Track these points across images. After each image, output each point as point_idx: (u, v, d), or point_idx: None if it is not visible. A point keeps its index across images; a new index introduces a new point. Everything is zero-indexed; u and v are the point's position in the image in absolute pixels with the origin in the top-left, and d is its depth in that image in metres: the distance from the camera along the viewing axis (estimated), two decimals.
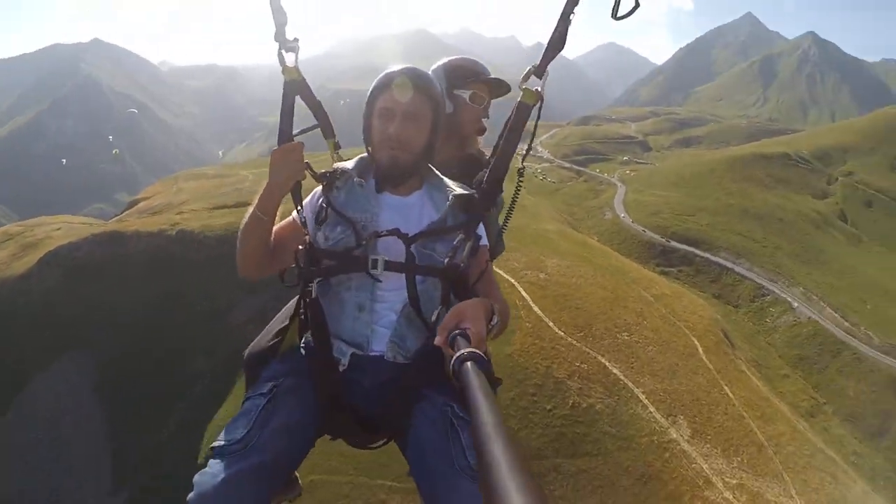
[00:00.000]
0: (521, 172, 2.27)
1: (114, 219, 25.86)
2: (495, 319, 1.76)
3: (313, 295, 1.98)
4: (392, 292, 1.99)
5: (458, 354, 1.20)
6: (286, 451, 1.79)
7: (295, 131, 2.19)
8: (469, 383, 1.04)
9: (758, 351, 32.32)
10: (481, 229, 2.19)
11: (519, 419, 6.38)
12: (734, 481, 7.33)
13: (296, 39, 2.08)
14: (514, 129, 2.17)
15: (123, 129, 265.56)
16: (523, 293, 10.51)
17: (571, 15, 2.03)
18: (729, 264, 39.49)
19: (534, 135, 2.20)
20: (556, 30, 2.06)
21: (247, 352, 2.22)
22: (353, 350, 1.95)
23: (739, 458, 7.75)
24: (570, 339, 8.86)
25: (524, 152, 2.29)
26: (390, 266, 1.96)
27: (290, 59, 2.08)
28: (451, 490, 1.62)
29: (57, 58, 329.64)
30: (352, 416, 1.96)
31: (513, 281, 11.64)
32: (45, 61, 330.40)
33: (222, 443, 1.72)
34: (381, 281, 1.97)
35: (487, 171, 2.20)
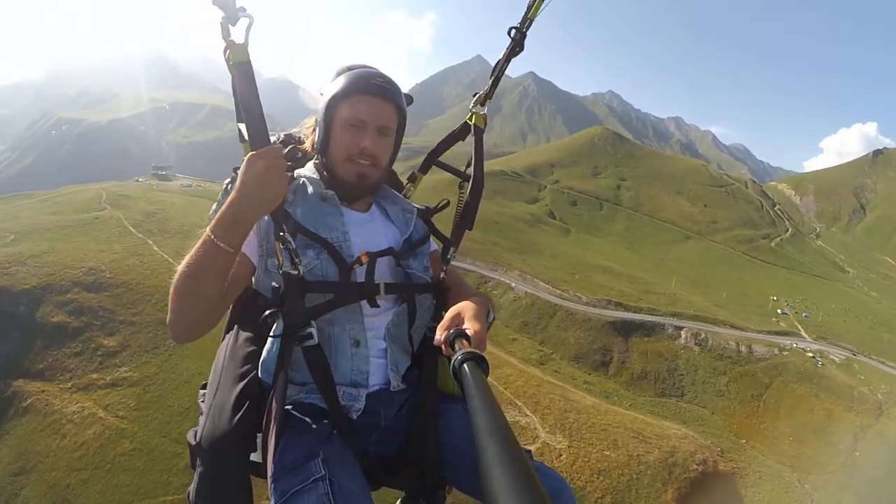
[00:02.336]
0: (461, 185, 2.15)
1: None
2: (491, 315, 1.73)
3: (315, 340, 1.65)
4: (377, 318, 1.81)
5: (458, 355, 1.18)
6: None
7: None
8: (470, 383, 1.03)
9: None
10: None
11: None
12: None
13: (242, 8, 1.55)
14: (479, 150, 2.09)
15: None
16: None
17: (518, 49, 2.01)
18: (454, 262, 43.90)
19: (475, 154, 2.11)
20: (500, 65, 2.05)
21: (206, 438, 1.63)
22: (363, 390, 1.75)
23: None
24: None
25: (465, 167, 2.18)
26: (391, 289, 1.81)
27: (238, 34, 1.59)
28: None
29: None
30: (383, 461, 1.81)
31: None
32: None
33: None
34: (378, 306, 1.79)
35: (469, 188, 2.05)
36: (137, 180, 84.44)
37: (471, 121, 2.10)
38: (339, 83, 1.86)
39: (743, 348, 54.13)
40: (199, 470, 1.66)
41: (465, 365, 1.13)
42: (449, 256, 2.01)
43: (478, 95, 2.11)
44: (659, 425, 31.71)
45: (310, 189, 1.86)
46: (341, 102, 1.84)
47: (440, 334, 1.48)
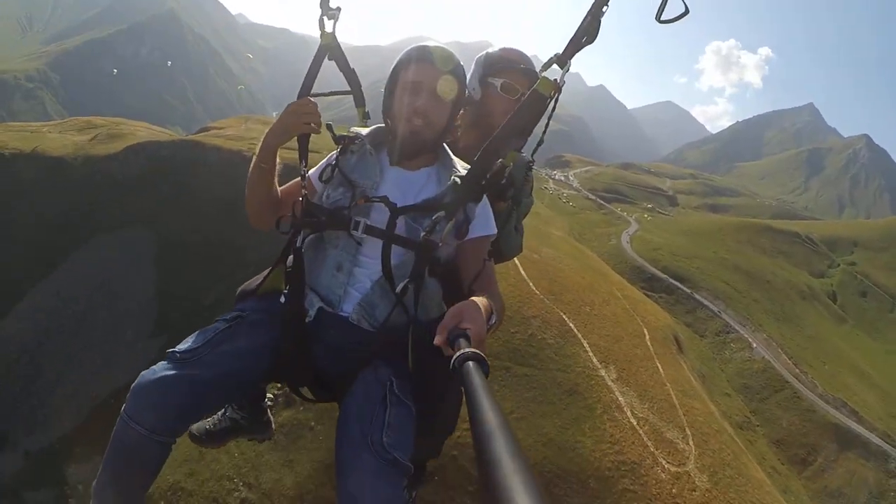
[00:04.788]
0: (529, 166, 2.22)
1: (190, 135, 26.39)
2: (494, 319, 1.73)
3: (298, 244, 1.98)
4: (374, 260, 1.94)
5: (458, 354, 1.14)
6: (230, 374, 1.78)
7: (327, 90, 2.17)
8: (470, 382, 1.00)
9: (708, 370, 33.35)
10: (482, 217, 2.06)
11: (490, 333, 7.76)
12: (641, 415, 8.57)
13: (338, 8, 2.06)
14: (520, 115, 1.95)
15: (192, 68, 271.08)
16: (515, 261, 11.68)
17: (605, 7, 1.79)
18: (706, 302, 41.09)
19: (546, 128, 2.03)
20: (584, 21, 1.83)
21: (240, 287, 2.20)
22: (322, 305, 1.93)
23: (651, 405, 8.96)
24: (542, 296, 10.17)
25: (535, 146, 2.16)
26: (370, 230, 1.93)
27: (329, 25, 2.08)
28: (353, 458, 1.60)
29: None
30: (306, 366, 1.96)
31: None
32: None
33: (174, 350, 1.76)
34: (360, 244, 1.95)
35: (481, 150, 1.97)
36: None
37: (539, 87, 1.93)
38: (403, 53, 2.08)
39: None
40: None
41: (465, 365, 1.09)
42: (460, 226, 1.98)
43: (552, 57, 1.93)
44: None
45: (367, 145, 2.11)
46: (402, 69, 2.07)
47: (440, 334, 1.47)
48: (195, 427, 2.29)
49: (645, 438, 9.23)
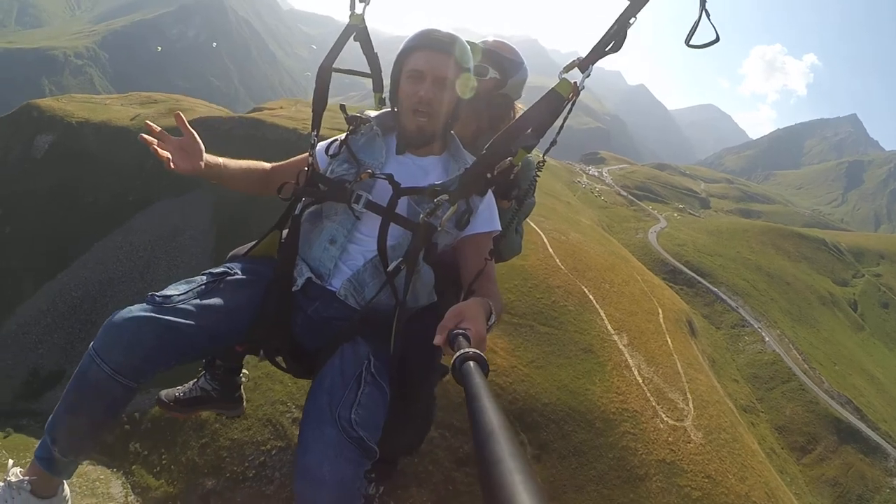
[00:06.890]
0: (539, 166, 1.99)
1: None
2: (493, 318, 1.61)
3: (296, 212, 1.95)
4: (370, 237, 1.86)
5: (459, 354, 1.08)
6: (205, 327, 1.70)
7: (344, 67, 2.09)
8: (471, 382, 0.94)
9: (719, 357, 33.41)
10: (486, 212, 1.99)
11: (517, 294, 8.40)
12: (646, 375, 9.24)
13: None
14: (534, 112, 1.78)
15: (236, 51, 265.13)
16: (544, 239, 12.34)
17: (632, 20, 1.64)
18: (725, 297, 40.69)
19: (559, 130, 1.77)
20: (611, 29, 1.66)
21: (231, 252, 2.13)
22: (311, 276, 1.87)
23: (656, 369, 9.62)
24: (567, 271, 10.93)
25: (548, 146, 1.86)
26: (371, 206, 1.85)
27: (359, 7, 2.04)
28: (316, 431, 1.52)
29: None
30: (284, 335, 1.88)
31: (539, 231, 12.89)
32: None
33: (154, 293, 1.69)
34: (359, 219, 1.88)
35: (490, 142, 1.84)
36: None
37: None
38: (407, 40, 1.97)
39: None
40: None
41: (465, 364, 1.04)
42: (463, 215, 1.90)
43: (574, 60, 1.75)
44: None
45: (375, 127, 2.02)
46: (406, 57, 1.95)
47: (440, 334, 1.37)
48: (164, 393, 2.25)
49: (648, 394, 10.06)
